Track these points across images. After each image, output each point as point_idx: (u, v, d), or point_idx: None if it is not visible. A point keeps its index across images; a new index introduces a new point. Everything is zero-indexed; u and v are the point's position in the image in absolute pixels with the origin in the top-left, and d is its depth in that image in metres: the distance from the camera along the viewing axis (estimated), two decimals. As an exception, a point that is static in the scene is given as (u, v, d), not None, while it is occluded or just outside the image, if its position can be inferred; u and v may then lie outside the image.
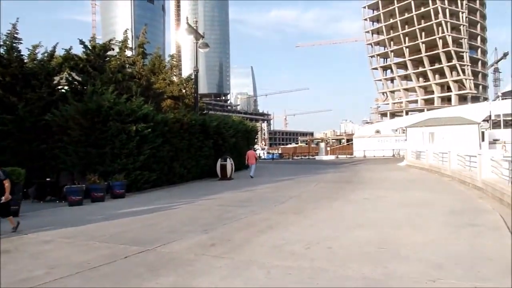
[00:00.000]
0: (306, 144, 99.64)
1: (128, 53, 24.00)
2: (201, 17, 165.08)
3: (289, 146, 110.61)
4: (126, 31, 24.32)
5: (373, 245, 6.18)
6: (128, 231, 8.07)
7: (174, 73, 30.38)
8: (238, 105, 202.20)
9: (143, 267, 5.38)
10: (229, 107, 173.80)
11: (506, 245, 5.94)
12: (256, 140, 45.80)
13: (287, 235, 7.15)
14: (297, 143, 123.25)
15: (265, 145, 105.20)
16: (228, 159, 21.07)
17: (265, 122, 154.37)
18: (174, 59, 32.22)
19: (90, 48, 20.19)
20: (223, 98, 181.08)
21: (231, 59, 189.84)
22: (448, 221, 8.05)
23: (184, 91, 28.13)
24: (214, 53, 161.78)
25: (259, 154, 68.00)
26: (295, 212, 9.83)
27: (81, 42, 20.07)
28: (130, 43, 24.05)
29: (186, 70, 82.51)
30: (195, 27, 23.52)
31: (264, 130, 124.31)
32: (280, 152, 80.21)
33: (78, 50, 20.63)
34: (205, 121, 22.05)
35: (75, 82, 19.15)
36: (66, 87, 18.96)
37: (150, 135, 16.17)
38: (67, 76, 19.08)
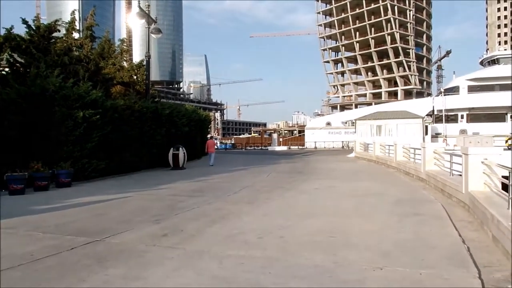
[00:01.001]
0: (259, 134, 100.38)
1: (76, 35, 22.86)
2: (154, 2, 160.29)
3: (242, 136, 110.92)
4: (73, 12, 23.12)
5: (324, 234, 6.32)
6: (75, 221, 7.72)
7: (125, 58, 29.37)
8: (191, 93, 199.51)
9: (91, 259, 5.16)
10: (181, 96, 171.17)
11: (448, 234, 6.29)
12: (209, 129, 45.45)
13: (240, 225, 7.15)
14: (250, 134, 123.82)
15: (218, 135, 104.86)
16: (180, 148, 20.74)
17: (219, 111, 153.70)
18: (125, 44, 31.11)
19: (34, 28, 19.00)
20: (176, 86, 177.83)
21: (184, 46, 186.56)
22: (394, 211, 8.40)
23: (135, 77, 27.24)
24: (167, 39, 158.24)
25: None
26: (248, 202, 9.85)
27: (24, 22, 18.82)
28: (77, 25, 22.91)
29: (137, 56, 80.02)
30: (147, 12, 22.78)
31: (217, 119, 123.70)
32: (233, 142, 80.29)
33: (20, 30, 19.36)
34: (157, 109, 21.53)
35: (17, 64, 17.97)
36: (6, 69, 17.75)
37: (99, 122, 15.52)
38: (8, 57, 17.84)
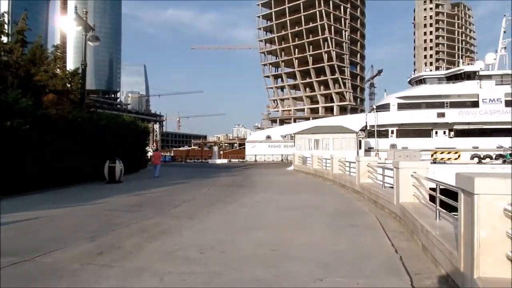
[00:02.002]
0: (199, 147, 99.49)
1: (4, 39, 21.42)
2: (91, 8, 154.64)
3: (182, 148, 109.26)
4: (2, 14, 21.69)
5: (266, 247, 6.38)
6: (1, 239, 7.14)
7: (58, 66, 27.93)
8: (129, 104, 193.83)
9: (20, 280, 4.79)
10: (119, 106, 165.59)
11: (382, 244, 6.61)
12: (147, 141, 44.29)
13: (180, 240, 7.01)
14: (190, 146, 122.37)
15: (156, 147, 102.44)
16: (117, 160, 19.97)
17: (158, 123, 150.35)
18: (59, 50, 29.62)
19: (-45, 30, 17.57)
20: (113, 96, 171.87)
21: (122, 55, 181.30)
22: (332, 222, 8.69)
23: (69, 85, 25.96)
24: (104, 47, 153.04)
25: (150, 156, 65.92)
26: (189, 216, 9.70)
27: None
28: (6, 28, 21.50)
29: (71, 63, 76.36)
30: (84, 18, 21.93)
31: (156, 131, 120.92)
32: (172, 154, 78.78)
33: None
34: (93, 119, 20.65)
35: None
36: None
37: (29, 132, 14.57)
38: None
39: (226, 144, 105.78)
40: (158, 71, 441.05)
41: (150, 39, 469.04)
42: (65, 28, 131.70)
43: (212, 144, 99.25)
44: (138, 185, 18.93)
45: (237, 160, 61.25)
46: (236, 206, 11.64)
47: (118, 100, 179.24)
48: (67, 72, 27.59)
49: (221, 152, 70.81)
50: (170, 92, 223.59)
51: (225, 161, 59.16)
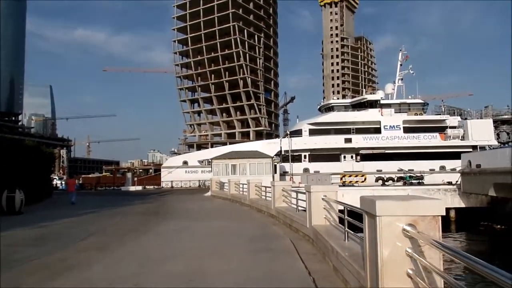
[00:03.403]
0: (111, 173, 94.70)
1: None
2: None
3: (92, 175, 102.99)
4: None
5: (182, 278, 6.20)
6: None
7: None
8: (32, 127, 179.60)
9: None
10: (20, 129, 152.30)
11: (296, 267, 6.78)
12: (53, 168, 41.14)
13: (89, 275, 6.54)
14: (101, 173, 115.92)
15: (63, 174, 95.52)
16: (17, 190, 18.22)
17: (65, 148, 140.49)
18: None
19: None
20: (14, 118, 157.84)
21: (26, 76, 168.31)
22: (249, 248, 8.74)
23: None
24: (5, 67, 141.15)
25: (56, 183, 61.29)
26: (99, 249, 9.11)
27: None
28: None
29: (-36, 84, 69.39)
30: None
31: (63, 157, 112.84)
32: (81, 182, 73.83)
33: None
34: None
35: None
36: None
37: None
38: None
39: (140, 170, 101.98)
40: (67, 93, 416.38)
41: (58, 59, 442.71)
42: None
43: (126, 170, 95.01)
44: (41, 216, 17.41)
45: (152, 186, 59.30)
46: (150, 236, 11.21)
47: (20, 123, 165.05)
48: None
49: (135, 179, 68.07)
50: (80, 115, 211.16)
51: (139, 188, 56.93)
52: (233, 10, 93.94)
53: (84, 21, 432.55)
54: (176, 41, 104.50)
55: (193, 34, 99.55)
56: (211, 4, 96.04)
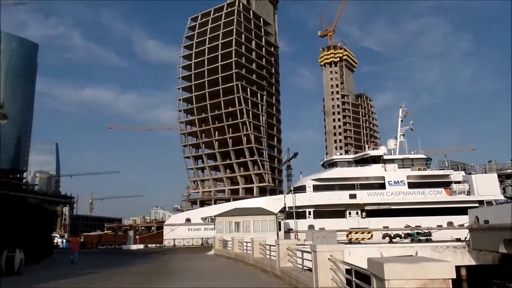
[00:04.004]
0: (113, 231, 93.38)
1: None
2: (2, 84, 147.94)
3: (93, 233, 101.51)
4: None
5: None
6: None
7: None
8: (36, 184, 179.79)
9: None
10: (24, 187, 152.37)
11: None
12: (55, 226, 40.69)
13: None
14: (103, 231, 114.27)
15: (65, 232, 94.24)
16: (17, 249, 17.92)
17: (68, 205, 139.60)
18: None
19: None
20: (18, 175, 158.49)
21: (33, 133, 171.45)
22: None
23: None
24: (13, 125, 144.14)
25: (57, 242, 60.29)
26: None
27: None
28: None
29: (-28, 142, 70.72)
30: (-8, 97, 20.77)
31: (65, 214, 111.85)
32: (82, 240, 72.62)
33: None
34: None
35: None
36: None
37: None
38: None
39: (143, 228, 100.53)
40: (73, 150, 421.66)
41: (65, 117, 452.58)
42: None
43: (128, 227, 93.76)
44: (41, 277, 16.97)
45: (154, 245, 58.17)
46: (152, 298, 10.86)
47: (24, 180, 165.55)
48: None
49: (137, 237, 66.92)
50: (84, 172, 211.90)
51: (141, 246, 55.83)
52: (237, 70, 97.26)
53: (93, 80, 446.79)
54: (181, 100, 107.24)
55: (197, 93, 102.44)
56: (215, 65, 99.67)
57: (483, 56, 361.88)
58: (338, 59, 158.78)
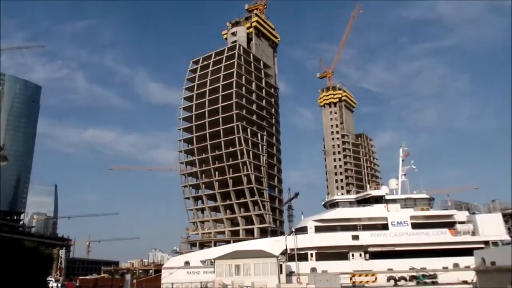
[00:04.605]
0: (110, 275, 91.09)
1: None
2: (3, 126, 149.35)
3: (89, 277, 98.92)
4: None
5: None
6: None
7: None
8: (33, 227, 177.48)
9: None
10: (21, 229, 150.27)
11: None
12: (50, 270, 39.62)
13: None
14: (100, 274, 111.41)
15: (60, 275, 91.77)
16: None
17: (64, 248, 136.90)
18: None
19: None
20: (16, 217, 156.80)
21: (32, 174, 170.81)
22: None
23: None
24: (13, 166, 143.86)
25: (52, 286, 58.60)
26: None
27: None
28: None
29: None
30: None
31: (61, 257, 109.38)
32: (78, 284, 70.67)
33: None
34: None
35: None
36: None
37: None
38: None
39: (140, 271, 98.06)
40: (72, 190, 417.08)
41: (65, 158, 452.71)
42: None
43: (125, 271, 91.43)
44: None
45: (152, 289, 56.48)
46: None
47: (21, 222, 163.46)
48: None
49: (134, 281, 65.10)
50: (82, 213, 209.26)
51: (138, 291, 54.19)
52: (237, 111, 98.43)
53: (95, 121, 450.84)
54: (182, 140, 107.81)
55: (198, 133, 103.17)
56: (216, 106, 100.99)
57: (480, 95, 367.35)
58: (337, 99, 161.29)
